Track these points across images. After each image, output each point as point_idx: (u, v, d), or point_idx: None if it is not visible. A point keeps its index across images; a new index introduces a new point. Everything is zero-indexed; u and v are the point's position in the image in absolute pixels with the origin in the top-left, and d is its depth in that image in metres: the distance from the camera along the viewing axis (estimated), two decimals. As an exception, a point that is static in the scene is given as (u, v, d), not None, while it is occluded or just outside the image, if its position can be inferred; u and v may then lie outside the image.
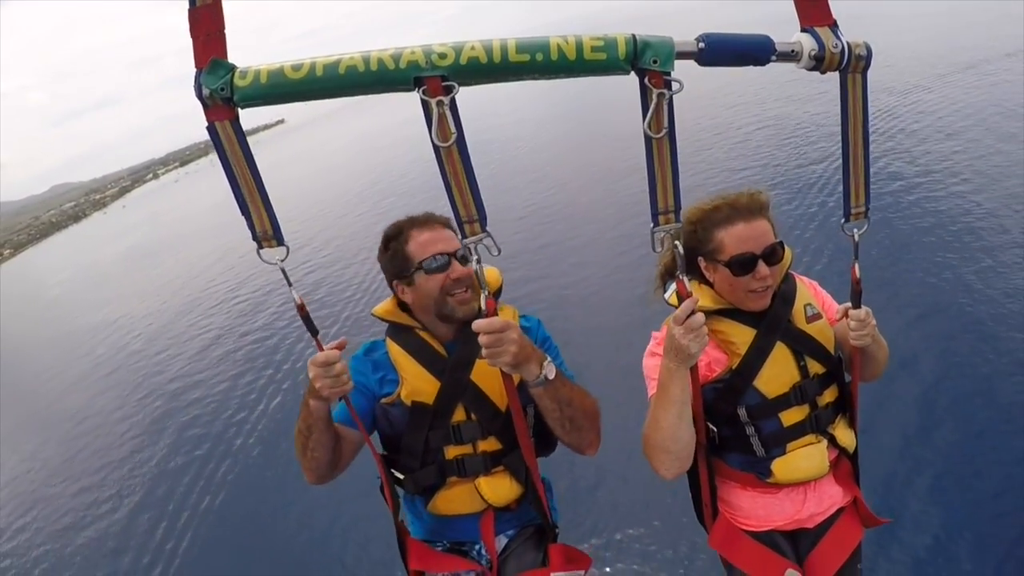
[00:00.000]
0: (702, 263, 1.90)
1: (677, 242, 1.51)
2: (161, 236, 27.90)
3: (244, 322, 11.04)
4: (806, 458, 1.92)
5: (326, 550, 4.87)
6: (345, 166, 30.25)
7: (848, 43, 1.46)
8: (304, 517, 5.28)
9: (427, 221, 1.92)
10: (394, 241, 1.93)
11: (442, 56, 1.34)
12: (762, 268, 1.81)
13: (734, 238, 1.82)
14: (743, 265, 1.81)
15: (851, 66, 1.48)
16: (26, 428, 10.43)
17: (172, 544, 5.68)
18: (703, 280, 1.95)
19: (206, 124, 1.36)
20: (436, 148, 1.39)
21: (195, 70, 1.33)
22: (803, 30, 1.47)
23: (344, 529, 4.93)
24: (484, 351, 1.57)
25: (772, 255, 1.82)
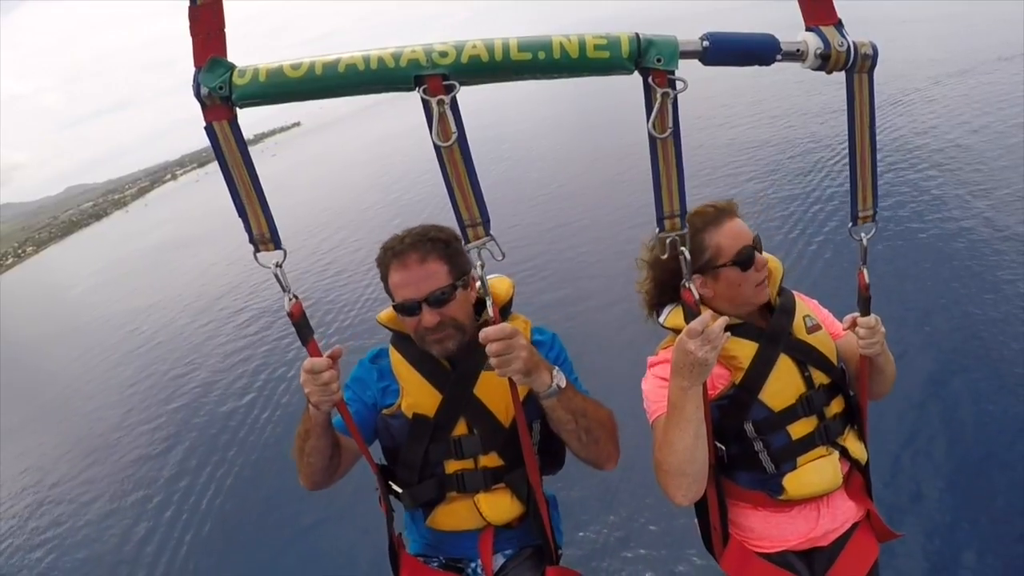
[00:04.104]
0: (698, 281, 1.81)
1: (683, 247, 1.47)
2: (191, 230, 28.62)
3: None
4: (818, 471, 1.86)
5: (316, 560, 4.84)
6: (359, 168, 30.60)
7: (854, 42, 1.43)
8: (294, 524, 5.24)
9: (403, 254, 1.79)
10: (381, 267, 1.86)
11: (443, 55, 1.31)
12: (759, 257, 1.81)
13: (730, 236, 1.80)
14: (749, 258, 1.79)
15: (857, 65, 1.45)
16: (75, 399, 11.33)
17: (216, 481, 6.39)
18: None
19: (204, 125, 1.34)
20: (437, 148, 1.36)
21: (194, 69, 1.31)
22: (808, 29, 1.44)
23: (336, 539, 4.88)
24: (493, 360, 1.52)
25: (758, 244, 1.84)
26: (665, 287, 1.89)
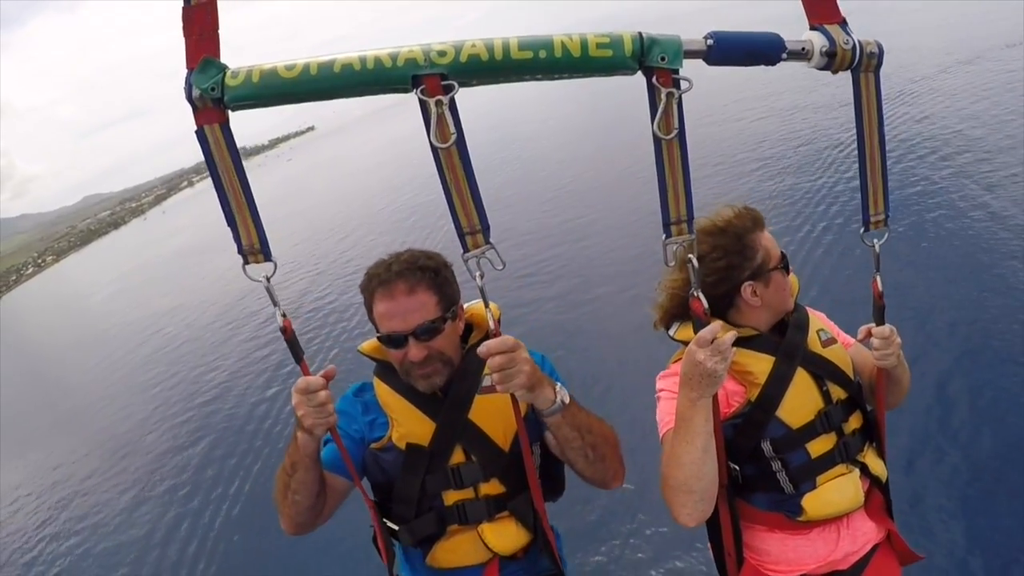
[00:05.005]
0: (748, 290, 1.74)
1: (691, 255, 1.41)
2: (210, 235, 29.11)
3: (297, 301, 11.86)
4: (838, 490, 1.77)
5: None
6: (374, 171, 30.88)
7: (859, 41, 1.38)
8: (293, 540, 5.21)
9: (390, 282, 1.68)
10: (365, 294, 1.75)
11: (441, 54, 1.26)
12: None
13: (771, 240, 1.77)
14: (788, 262, 1.78)
15: (863, 64, 1.40)
16: (103, 399, 11.72)
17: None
18: (718, 317, 1.78)
19: (195, 128, 1.30)
20: (435, 151, 1.31)
21: (186, 70, 1.27)
22: (812, 28, 1.39)
23: (337, 555, 4.79)
24: (495, 375, 1.44)
25: None
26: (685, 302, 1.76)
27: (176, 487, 6.98)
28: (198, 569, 5.48)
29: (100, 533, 6.67)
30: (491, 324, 1.46)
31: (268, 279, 1.40)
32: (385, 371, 1.83)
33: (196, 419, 8.67)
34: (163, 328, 14.86)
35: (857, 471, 1.81)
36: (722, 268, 1.72)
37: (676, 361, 1.87)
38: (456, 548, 1.81)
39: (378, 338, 1.75)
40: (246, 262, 1.40)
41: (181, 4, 1.27)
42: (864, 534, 1.85)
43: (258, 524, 5.73)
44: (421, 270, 1.70)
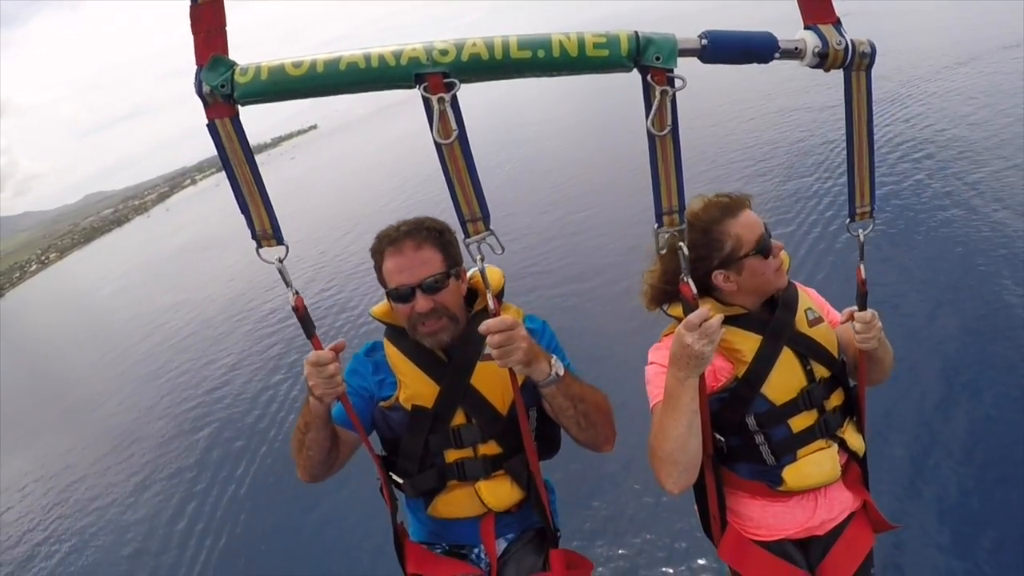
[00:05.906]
0: (719, 277, 1.81)
1: (682, 243, 1.47)
2: (214, 232, 29.30)
3: (305, 293, 11.87)
4: (817, 464, 1.86)
5: (321, 550, 4.96)
6: (376, 169, 30.98)
7: (852, 40, 1.43)
8: (297, 516, 5.42)
9: (398, 240, 1.82)
10: (376, 255, 1.87)
11: (443, 53, 1.31)
12: (775, 243, 1.81)
13: (747, 226, 1.79)
14: (768, 246, 1.79)
15: (855, 63, 1.46)
16: (111, 390, 11.91)
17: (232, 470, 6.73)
18: (706, 296, 1.86)
19: (206, 122, 1.35)
20: (438, 146, 1.37)
21: (196, 67, 1.32)
22: (806, 27, 1.44)
23: (340, 529, 4.99)
24: (494, 351, 1.54)
25: (768, 230, 1.83)
26: (672, 288, 1.84)
27: (184, 469, 7.17)
28: (205, 545, 5.63)
29: (110, 513, 6.88)
30: (490, 304, 1.55)
31: (281, 261, 1.48)
32: (395, 334, 1.95)
33: (203, 406, 8.86)
34: (168, 322, 15.04)
35: (836, 446, 1.89)
36: (691, 260, 1.77)
37: (667, 335, 1.94)
38: (455, 501, 1.96)
39: (387, 294, 1.85)
40: (260, 246, 1.47)
41: (188, 3, 1.31)
42: (840, 503, 1.94)
43: (264, 504, 5.90)
44: (427, 230, 1.83)
